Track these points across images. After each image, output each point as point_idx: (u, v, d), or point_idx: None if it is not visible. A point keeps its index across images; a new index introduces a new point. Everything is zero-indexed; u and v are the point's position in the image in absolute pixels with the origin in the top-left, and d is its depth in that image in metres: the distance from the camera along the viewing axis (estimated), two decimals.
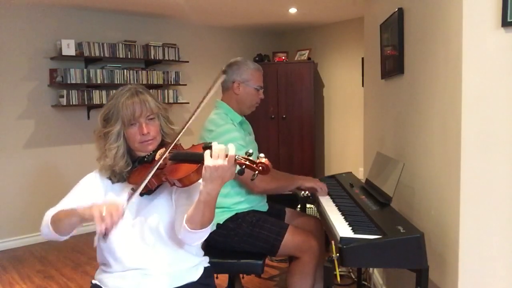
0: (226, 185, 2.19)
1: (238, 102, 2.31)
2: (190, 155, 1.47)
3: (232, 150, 1.33)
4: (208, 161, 1.32)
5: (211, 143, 1.37)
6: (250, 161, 1.34)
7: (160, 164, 1.45)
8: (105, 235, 1.30)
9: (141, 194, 1.58)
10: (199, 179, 1.43)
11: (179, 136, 1.48)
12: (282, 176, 2.44)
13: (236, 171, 1.36)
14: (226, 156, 1.32)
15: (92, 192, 1.61)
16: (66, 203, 1.56)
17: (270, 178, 2.23)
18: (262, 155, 1.35)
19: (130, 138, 1.56)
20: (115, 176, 1.60)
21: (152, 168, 1.43)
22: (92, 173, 1.67)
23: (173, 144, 1.48)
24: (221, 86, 2.36)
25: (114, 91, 1.65)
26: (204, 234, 1.46)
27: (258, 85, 2.33)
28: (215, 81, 1.46)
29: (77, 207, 1.42)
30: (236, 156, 1.34)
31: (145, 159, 1.58)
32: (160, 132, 1.61)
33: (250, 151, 1.35)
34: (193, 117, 1.43)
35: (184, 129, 1.45)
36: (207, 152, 1.33)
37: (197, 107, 1.42)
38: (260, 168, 1.33)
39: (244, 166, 1.34)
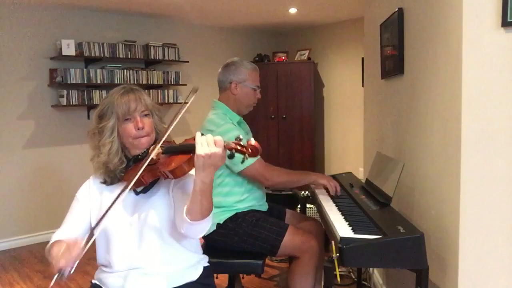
0: (226, 184, 2.21)
1: (236, 102, 2.32)
2: (181, 147, 1.49)
3: (219, 137, 1.35)
4: (199, 150, 1.33)
5: (202, 134, 1.39)
6: (240, 145, 1.36)
7: (153, 159, 1.46)
8: (63, 275, 1.30)
9: (138, 193, 1.58)
10: (191, 169, 1.43)
11: (169, 130, 1.50)
12: (295, 171, 2.43)
13: (227, 155, 1.37)
14: (215, 143, 1.34)
15: (88, 201, 1.63)
16: (69, 223, 1.60)
17: (281, 171, 2.25)
18: (251, 139, 1.37)
19: (125, 134, 1.56)
20: (109, 176, 1.59)
21: (144, 161, 1.44)
22: (85, 183, 1.68)
23: (164, 137, 1.50)
24: (218, 87, 2.37)
25: None
26: (205, 225, 1.46)
27: (256, 85, 2.34)
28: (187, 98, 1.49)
29: (56, 249, 1.42)
30: (225, 142, 1.36)
31: (139, 157, 1.58)
32: (154, 129, 1.61)
33: (241, 136, 1.37)
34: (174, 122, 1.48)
35: (173, 125, 1.49)
36: (197, 141, 1.35)
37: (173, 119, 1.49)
38: (250, 150, 1.34)
39: (233, 150, 1.36)
